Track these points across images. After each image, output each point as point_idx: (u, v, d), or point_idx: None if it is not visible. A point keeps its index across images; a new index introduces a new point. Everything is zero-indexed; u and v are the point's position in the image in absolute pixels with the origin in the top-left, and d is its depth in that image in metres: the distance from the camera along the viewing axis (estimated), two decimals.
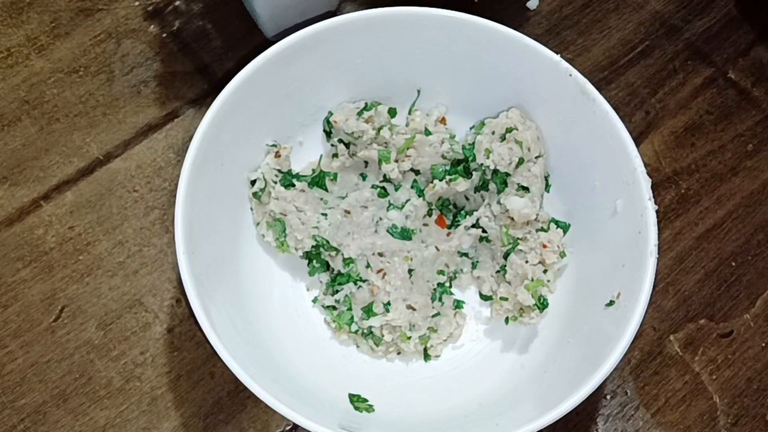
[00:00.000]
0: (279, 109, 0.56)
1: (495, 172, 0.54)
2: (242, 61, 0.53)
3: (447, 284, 0.57)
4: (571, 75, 0.53)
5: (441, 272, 0.57)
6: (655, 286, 0.48)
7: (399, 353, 0.55)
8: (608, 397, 0.57)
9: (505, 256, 0.55)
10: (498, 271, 0.56)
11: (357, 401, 0.52)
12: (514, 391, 0.52)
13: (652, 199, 0.50)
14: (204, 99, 0.63)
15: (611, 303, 0.50)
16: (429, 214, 0.58)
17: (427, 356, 0.55)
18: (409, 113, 0.59)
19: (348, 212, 0.57)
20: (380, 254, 0.56)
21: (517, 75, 0.55)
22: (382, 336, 0.54)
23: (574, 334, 0.52)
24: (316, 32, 0.53)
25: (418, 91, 0.59)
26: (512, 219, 0.54)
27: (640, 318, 0.47)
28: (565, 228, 0.56)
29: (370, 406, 0.52)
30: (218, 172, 0.52)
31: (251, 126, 0.54)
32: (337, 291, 0.55)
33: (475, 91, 0.57)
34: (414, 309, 0.54)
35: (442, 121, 0.59)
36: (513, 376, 0.53)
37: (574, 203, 0.56)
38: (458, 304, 0.57)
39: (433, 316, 0.55)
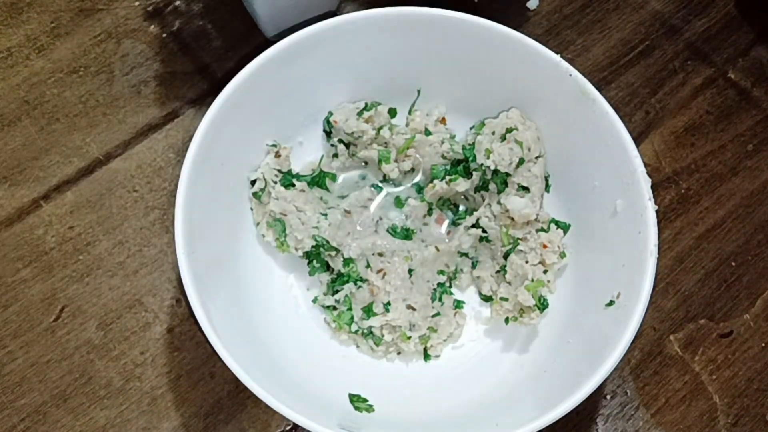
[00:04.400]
0: (279, 109, 0.56)
1: (495, 172, 0.54)
2: (242, 61, 0.53)
3: (447, 284, 0.57)
4: (571, 75, 0.53)
5: (441, 272, 0.57)
6: (655, 286, 0.48)
7: (399, 353, 0.55)
8: (608, 397, 0.57)
9: (505, 256, 0.55)
10: (498, 271, 0.56)
11: (357, 401, 0.52)
12: (514, 391, 0.52)
13: (652, 199, 0.50)
14: (204, 99, 0.63)
15: (611, 303, 0.50)
16: (429, 214, 0.58)
17: (427, 356, 0.55)
18: (409, 113, 0.59)
19: (348, 212, 0.57)
20: (380, 254, 0.56)
21: (517, 75, 0.55)
22: (382, 336, 0.54)
23: (574, 334, 0.52)
24: (316, 32, 0.53)
25: (418, 91, 0.59)
26: (512, 219, 0.54)
27: (640, 318, 0.47)
28: (565, 228, 0.56)
29: (370, 406, 0.52)
30: (218, 172, 0.52)
31: (251, 126, 0.54)
32: (337, 291, 0.55)
33: (475, 91, 0.57)
34: (414, 309, 0.54)
35: (442, 121, 0.59)
36: (513, 376, 0.53)
37: (574, 203, 0.56)
38: (458, 304, 0.57)
39: (433, 316, 0.55)
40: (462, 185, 0.56)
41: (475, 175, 0.56)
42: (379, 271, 0.55)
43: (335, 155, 0.58)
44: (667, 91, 0.66)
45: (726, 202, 0.63)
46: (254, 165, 0.56)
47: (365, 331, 0.55)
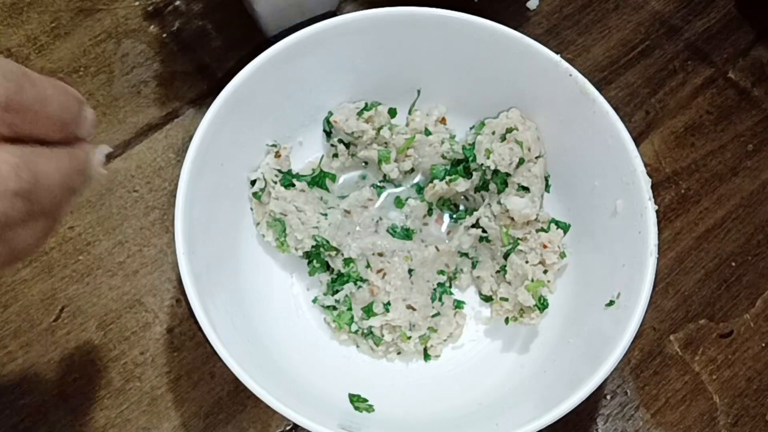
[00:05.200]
0: (279, 109, 0.56)
1: (495, 172, 0.54)
2: (242, 61, 0.53)
3: (447, 284, 0.57)
4: (571, 75, 0.53)
5: (441, 272, 0.57)
6: (655, 286, 0.48)
7: (399, 353, 0.55)
8: (608, 397, 0.57)
9: (505, 256, 0.55)
10: (498, 271, 0.56)
11: (357, 401, 0.52)
12: (514, 391, 0.52)
13: (652, 199, 0.50)
14: (204, 99, 0.63)
15: (611, 303, 0.50)
16: (429, 214, 0.58)
17: (427, 356, 0.55)
18: (409, 113, 0.59)
19: (348, 212, 0.57)
20: (380, 254, 0.56)
21: (517, 75, 0.55)
22: (382, 336, 0.54)
23: (574, 334, 0.52)
24: (316, 32, 0.53)
25: (418, 91, 0.59)
26: (512, 219, 0.54)
27: (640, 318, 0.47)
28: (565, 228, 0.55)
29: (370, 406, 0.52)
30: (218, 172, 0.52)
31: (251, 126, 0.54)
32: (337, 291, 0.55)
33: (475, 91, 0.57)
34: (414, 309, 0.54)
35: (442, 121, 0.59)
36: (513, 376, 0.53)
37: (574, 203, 0.56)
38: (458, 304, 0.57)
39: (433, 316, 0.55)
40: (462, 185, 0.56)
41: (475, 175, 0.56)
42: (379, 271, 0.55)
43: (335, 155, 0.58)
44: (667, 91, 0.66)
45: (726, 202, 0.63)
46: (254, 165, 0.56)
47: (365, 331, 0.55)
